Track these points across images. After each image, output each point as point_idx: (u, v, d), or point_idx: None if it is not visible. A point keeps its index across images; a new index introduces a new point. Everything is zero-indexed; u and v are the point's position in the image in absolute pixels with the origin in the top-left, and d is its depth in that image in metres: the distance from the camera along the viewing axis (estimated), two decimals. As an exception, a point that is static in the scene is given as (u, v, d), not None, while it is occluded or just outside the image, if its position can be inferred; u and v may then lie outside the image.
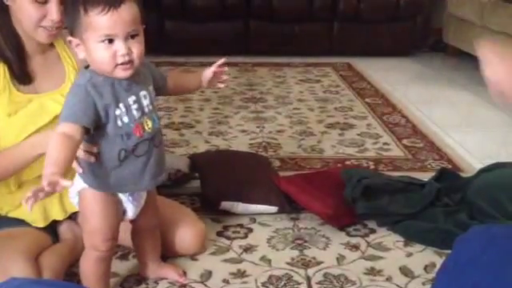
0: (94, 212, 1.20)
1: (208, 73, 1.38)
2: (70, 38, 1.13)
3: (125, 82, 1.15)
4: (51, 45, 1.37)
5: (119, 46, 1.09)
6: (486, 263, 0.82)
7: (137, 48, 1.12)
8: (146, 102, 1.18)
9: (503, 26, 3.14)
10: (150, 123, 1.18)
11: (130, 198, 1.24)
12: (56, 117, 1.31)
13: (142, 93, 1.18)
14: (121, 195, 1.22)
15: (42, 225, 1.39)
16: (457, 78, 3.46)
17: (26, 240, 1.31)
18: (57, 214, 1.41)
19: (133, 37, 1.11)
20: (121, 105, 1.14)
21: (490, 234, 0.87)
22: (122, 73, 1.12)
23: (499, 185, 1.69)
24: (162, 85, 1.30)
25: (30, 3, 1.23)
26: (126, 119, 1.14)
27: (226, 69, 1.39)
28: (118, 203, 1.23)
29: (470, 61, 3.67)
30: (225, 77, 1.40)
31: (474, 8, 3.46)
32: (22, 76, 1.32)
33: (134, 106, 1.16)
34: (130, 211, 1.25)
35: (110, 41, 1.09)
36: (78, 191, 1.21)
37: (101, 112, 1.11)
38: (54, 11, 1.24)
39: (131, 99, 1.16)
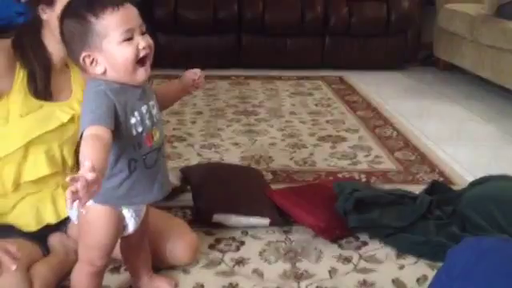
0: (96, 228, 1.18)
1: (188, 79, 1.37)
2: (83, 55, 1.11)
3: (138, 91, 1.15)
4: (66, 65, 1.42)
5: (139, 39, 1.11)
6: (477, 275, 0.82)
7: (151, 42, 1.14)
8: (154, 112, 1.19)
9: (493, 40, 3.17)
10: (157, 133, 1.19)
11: (133, 213, 1.22)
12: (62, 124, 1.37)
13: (151, 102, 1.19)
14: (124, 211, 1.20)
15: (34, 229, 1.38)
16: (447, 91, 3.49)
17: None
18: (50, 218, 1.40)
19: (143, 33, 1.13)
20: (136, 113, 1.14)
21: (482, 247, 0.88)
22: (141, 74, 1.13)
23: (490, 197, 1.69)
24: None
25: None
26: (140, 128, 1.14)
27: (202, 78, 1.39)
28: (121, 219, 1.21)
29: (460, 75, 3.71)
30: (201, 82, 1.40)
31: (464, 22, 3.50)
32: (43, 91, 1.35)
33: (147, 116, 1.16)
34: (131, 226, 1.23)
35: (129, 39, 1.10)
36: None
37: (120, 118, 1.11)
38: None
39: (144, 108, 1.16)
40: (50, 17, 1.29)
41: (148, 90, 1.20)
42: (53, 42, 1.33)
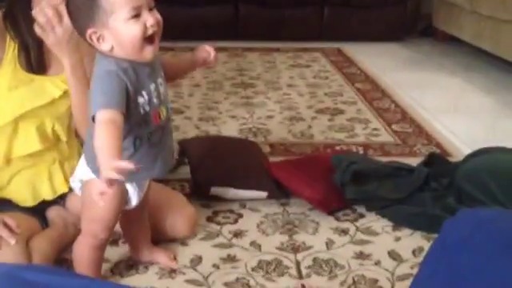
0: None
1: (200, 57, 1.34)
2: (90, 31, 1.09)
3: (147, 69, 1.14)
4: None
5: (147, 16, 1.08)
6: (473, 246, 0.83)
7: (159, 19, 1.11)
8: (162, 89, 1.18)
9: (493, 10, 3.14)
10: (164, 111, 1.18)
11: (137, 187, 1.22)
12: (53, 100, 1.35)
13: (159, 80, 1.18)
14: (128, 185, 1.20)
15: (30, 204, 1.39)
16: (446, 63, 3.47)
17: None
18: (46, 194, 1.41)
19: (151, 9, 1.11)
20: (144, 92, 1.13)
21: (478, 218, 0.88)
22: (149, 52, 1.11)
23: (487, 170, 1.70)
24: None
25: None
26: (147, 107, 1.13)
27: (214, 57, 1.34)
28: (124, 193, 1.21)
29: (459, 46, 3.68)
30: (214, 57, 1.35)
31: (463, -7, 3.46)
32: (36, 65, 1.33)
33: (155, 94, 1.15)
34: (134, 200, 1.24)
35: (137, 16, 1.08)
36: (82, 179, 1.20)
37: (130, 99, 1.10)
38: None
39: (152, 86, 1.15)
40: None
41: (157, 66, 1.18)
42: None
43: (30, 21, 1.28)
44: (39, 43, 1.31)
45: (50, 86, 1.35)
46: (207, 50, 1.33)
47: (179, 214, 1.45)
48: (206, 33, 3.75)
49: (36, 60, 1.33)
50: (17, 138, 1.36)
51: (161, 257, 1.39)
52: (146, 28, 1.09)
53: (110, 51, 1.11)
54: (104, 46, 1.10)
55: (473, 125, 2.44)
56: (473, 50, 3.51)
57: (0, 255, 1.21)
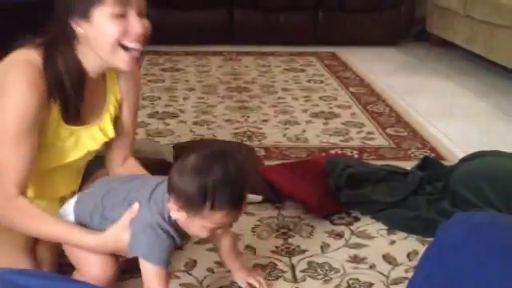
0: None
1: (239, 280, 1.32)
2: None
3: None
4: (103, 76, 1.31)
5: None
6: (468, 251, 0.83)
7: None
8: None
9: (486, 15, 3.16)
10: None
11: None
12: (88, 152, 1.32)
13: None
14: None
15: None
16: (440, 67, 3.49)
17: (24, 235, 1.25)
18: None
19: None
20: None
21: (473, 222, 0.88)
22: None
23: (481, 173, 1.71)
24: None
25: (108, 19, 1.09)
26: None
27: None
28: None
29: (453, 50, 3.70)
30: None
31: (457, -2, 3.48)
32: (74, 115, 1.24)
33: None
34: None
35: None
36: None
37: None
38: (135, 22, 1.10)
39: None
40: (88, 31, 1.14)
41: None
42: (91, 58, 1.19)
43: (72, 66, 1.19)
44: (78, 91, 1.22)
45: (87, 139, 1.30)
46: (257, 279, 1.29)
47: None
48: (200, 37, 3.76)
49: (73, 111, 1.23)
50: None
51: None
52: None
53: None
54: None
55: (467, 129, 2.45)
56: (466, 54, 3.53)
57: (13, 266, 1.18)
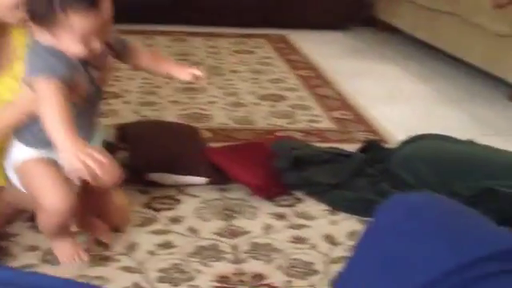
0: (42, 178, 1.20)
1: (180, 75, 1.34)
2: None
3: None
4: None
5: (96, 45, 1.13)
6: (405, 231, 0.84)
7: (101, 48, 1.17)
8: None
9: (430, 2, 3.23)
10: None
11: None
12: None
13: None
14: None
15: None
16: (386, 52, 3.55)
17: None
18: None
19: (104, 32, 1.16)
20: None
21: (411, 203, 0.90)
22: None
23: (420, 156, 1.75)
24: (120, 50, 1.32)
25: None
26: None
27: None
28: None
29: (399, 36, 3.77)
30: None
31: (403, -17, 3.54)
32: None
33: None
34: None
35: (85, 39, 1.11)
36: (15, 166, 1.21)
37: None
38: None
39: None
40: None
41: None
42: None
43: None
44: None
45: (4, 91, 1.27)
46: (194, 72, 1.33)
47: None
48: (148, 16, 3.68)
49: None
50: None
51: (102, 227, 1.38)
52: (89, 51, 1.13)
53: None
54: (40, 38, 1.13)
55: (409, 112, 2.51)
56: (412, 39, 3.60)
57: None
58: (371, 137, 2.15)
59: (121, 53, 1.33)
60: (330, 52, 3.46)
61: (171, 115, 2.27)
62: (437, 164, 1.71)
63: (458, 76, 3.07)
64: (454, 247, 0.72)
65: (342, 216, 1.61)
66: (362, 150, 1.91)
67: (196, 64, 3.00)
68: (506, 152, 1.82)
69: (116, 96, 2.44)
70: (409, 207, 0.89)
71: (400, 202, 0.93)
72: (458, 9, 2.97)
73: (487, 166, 1.65)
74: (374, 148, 1.92)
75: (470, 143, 1.90)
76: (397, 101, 2.66)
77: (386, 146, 2.01)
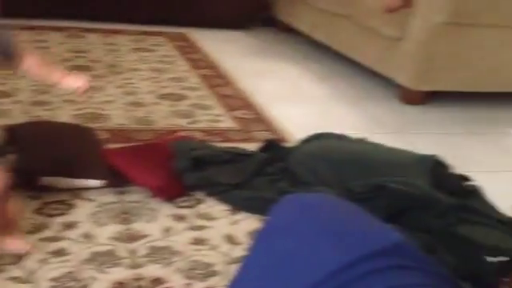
0: None
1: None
2: None
3: None
4: None
5: None
6: (295, 232, 0.85)
7: None
8: None
9: (327, 4, 3.34)
10: None
11: None
12: None
13: None
14: None
15: None
16: (286, 52, 3.63)
17: None
18: None
19: None
20: None
21: (302, 203, 0.91)
22: None
23: (317, 154, 1.80)
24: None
25: None
26: None
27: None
28: None
29: (298, 36, 3.86)
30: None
31: (302, -14, 3.63)
32: None
33: None
34: None
35: None
36: None
37: None
38: None
39: None
40: None
41: None
42: None
43: None
44: None
45: None
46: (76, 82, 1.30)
47: None
48: (40, 10, 3.49)
49: None
50: None
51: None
52: None
53: None
54: None
55: (308, 111, 2.58)
56: (311, 40, 3.70)
57: None
58: (272, 136, 2.18)
59: (5, 57, 1.23)
60: (231, 51, 3.48)
61: (65, 115, 2.17)
62: (333, 162, 1.77)
63: (354, 76, 3.20)
64: (339, 247, 0.74)
65: (242, 216, 1.61)
66: (263, 150, 1.93)
67: (93, 62, 2.90)
68: (395, 149, 1.92)
69: (6, 95, 2.29)
70: (300, 207, 0.90)
71: (292, 202, 0.94)
72: (352, 12, 3.10)
73: (378, 163, 1.72)
74: (274, 147, 1.95)
75: (363, 141, 1.98)
76: (297, 100, 2.73)
77: (286, 145, 2.04)
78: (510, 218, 1.62)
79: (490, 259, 1.43)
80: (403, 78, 2.79)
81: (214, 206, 1.64)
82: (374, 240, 0.75)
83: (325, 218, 0.83)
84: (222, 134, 2.19)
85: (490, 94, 2.96)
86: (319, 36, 3.50)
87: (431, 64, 2.71)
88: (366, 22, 2.98)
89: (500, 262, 1.39)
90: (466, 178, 1.84)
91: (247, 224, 1.57)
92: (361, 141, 1.98)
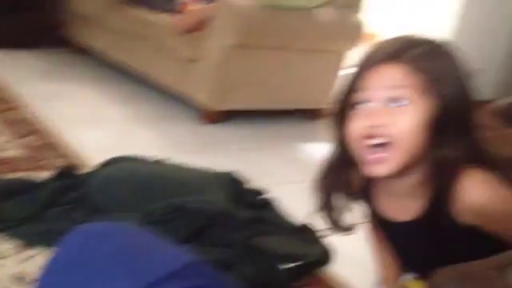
0: None
1: None
2: None
3: None
4: None
5: None
6: (87, 263, 0.81)
7: None
8: None
9: (123, 24, 3.30)
10: None
11: None
12: None
13: None
14: None
15: None
16: (81, 73, 3.49)
17: None
18: None
19: None
20: None
21: (91, 233, 0.87)
22: None
23: (117, 178, 1.75)
24: None
25: None
26: None
27: None
28: None
29: (94, 57, 3.74)
30: None
31: (94, 6, 3.53)
32: None
33: None
34: None
35: None
36: None
37: None
38: None
39: None
40: None
41: None
42: None
43: None
44: None
45: None
46: None
47: None
48: None
49: None
50: None
51: None
52: None
53: None
54: None
55: (107, 135, 2.50)
56: (107, 61, 3.61)
57: None
58: (67, 162, 2.06)
59: None
60: (20, 73, 3.22)
61: None
62: (132, 186, 1.73)
63: (154, 97, 3.20)
64: (129, 275, 0.72)
65: (35, 251, 1.49)
66: (56, 178, 1.81)
67: None
68: (195, 169, 1.96)
69: None
70: (86, 238, 0.86)
71: (78, 233, 0.89)
72: (149, 33, 3.10)
73: (178, 183, 1.74)
74: (69, 174, 1.85)
75: (162, 163, 1.98)
76: (93, 124, 2.63)
77: (83, 171, 1.95)
78: (301, 226, 1.76)
79: (285, 266, 1.53)
80: (201, 99, 2.87)
81: (3, 244, 1.49)
82: (166, 263, 0.75)
83: (113, 247, 0.80)
84: (10, 162, 2.01)
85: (279, 110, 3.21)
86: (116, 57, 3.44)
87: (226, 84, 2.84)
88: (163, 42, 3.01)
89: (292, 268, 1.50)
90: (261, 192, 1.96)
91: (41, 259, 1.45)
92: (160, 162, 1.98)
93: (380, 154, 0.99)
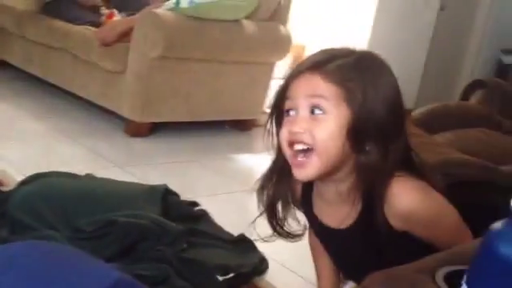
0: None
1: None
2: None
3: None
4: None
5: None
6: (6, 286, 0.76)
7: None
8: None
9: (40, 36, 3.17)
10: None
11: None
12: None
13: None
14: None
15: None
16: (-2, 88, 3.31)
17: None
18: None
19: None
20: None
21: (9, 254, 0.81)
22: None
23: (39, 195, 1.67)
24: None
25: None
26: None
27: None
28: None
29: (11, 70, 3.56)
30: None
31: (11, 17, 3.38)
32: None
33: None
34: None
35: None
36: None
37: None
38: None
39: None
40: None
41: None
42: None
43: None
44: None
45: None
46: None
47: None
48: None
49: None
50: None
51: None
52: None
53: None
54: None
55: (27, 151, 2.38)
56: (25, 75, 3.45)
57: None
58: (-16, 181, 1.94)
59: None
60: None
61: None
62: (59, 202, 1.65)
63: (76, 111, 3.08)
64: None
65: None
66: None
67: None
68: (124, 183, 1.90)
69: None
70: (8, 259, 0.81)
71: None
72: (68, 46, 2.99)
73: (107, 198, 1.68)
74: (-12, 193, 1.74)
75: (88, 177, 1.91)
76: (11, 140, 2.49)
77: (4, 189, 1.84)
78: (234, 237, 1.74)
79: (221, 278, 1.51)
80: (126, 111, 2.80)
81: None
82: (95, 282, 0.71)
83: (34, 269, 0.75)
84: None
85: (209, 122, 3.19)
86: (35, 70, 3.29)
87: (151, 96, 2.78)
88: (84, 55, 2.92)
89: (228, 279, 1.48)
90: (194, 204, 1.93)
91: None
92: (86, 177, 1.91)
93: (301, 159, 1.04)
